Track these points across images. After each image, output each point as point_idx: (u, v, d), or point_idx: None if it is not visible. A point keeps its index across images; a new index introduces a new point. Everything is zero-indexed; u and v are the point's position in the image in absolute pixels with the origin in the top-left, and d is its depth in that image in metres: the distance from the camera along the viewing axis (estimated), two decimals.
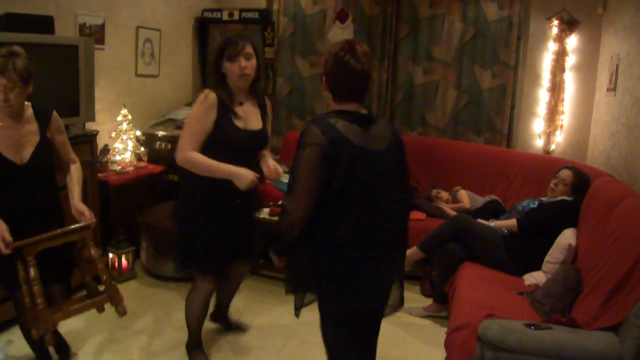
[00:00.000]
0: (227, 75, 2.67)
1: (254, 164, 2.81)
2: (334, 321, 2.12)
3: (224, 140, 2.63)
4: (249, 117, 2.73)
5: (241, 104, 2.71)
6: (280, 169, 2.86)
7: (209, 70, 2.81)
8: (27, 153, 2.44)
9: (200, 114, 2.61)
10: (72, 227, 2.48)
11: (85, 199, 3.74)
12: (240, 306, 3.75)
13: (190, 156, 2.59)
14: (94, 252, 2.54)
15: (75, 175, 2.68)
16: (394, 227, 2.09)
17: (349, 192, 1.93)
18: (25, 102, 2.48)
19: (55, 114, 2.59)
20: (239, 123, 2.66)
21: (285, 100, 5.73)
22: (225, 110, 2.63)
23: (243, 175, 2.56)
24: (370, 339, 2.30)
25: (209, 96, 2.61)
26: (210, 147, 2.62)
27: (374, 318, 2.24)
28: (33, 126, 2.49)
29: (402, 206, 2.20)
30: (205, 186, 2.68)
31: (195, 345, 3.04)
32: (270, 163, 2.86)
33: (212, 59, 2.78)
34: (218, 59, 2.67)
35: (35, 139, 2.48)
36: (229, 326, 3.47)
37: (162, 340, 3.31)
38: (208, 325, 3.30)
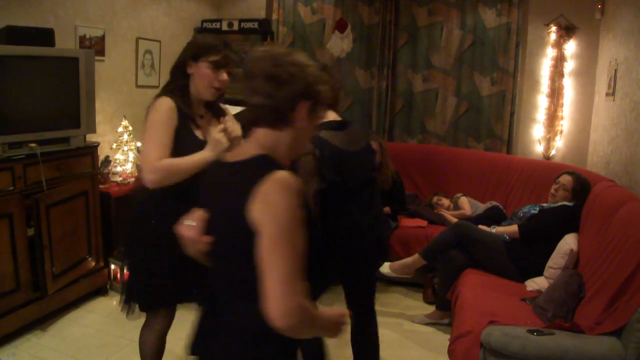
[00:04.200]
0: (193, 80, 2.34)
1: None
2: None
3: (186, 153, 2.20)
4: (208, 129, 2.33)
5: (202, 117, 2.36)
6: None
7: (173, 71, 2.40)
8: None
9: (163, 120, 2.25)
10: None
11: (86, 211, 3.78)
12: None
13: (162, 164, 2.16)
14: None
15: None
16: None
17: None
18: None
19: None
20: (198, 134, 2.31)
21: None
22: (185, 118, 2.28)
23: (217, 141, 2.19)
24: None
25: (167, 102, 2.28)
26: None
27: None
28: None
29: None
30: (160, 212, 2.25)
31: None
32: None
33: (181, 58, 2.41)
34: (191, 60, 2.34)
35: None
36: None
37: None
38: None
